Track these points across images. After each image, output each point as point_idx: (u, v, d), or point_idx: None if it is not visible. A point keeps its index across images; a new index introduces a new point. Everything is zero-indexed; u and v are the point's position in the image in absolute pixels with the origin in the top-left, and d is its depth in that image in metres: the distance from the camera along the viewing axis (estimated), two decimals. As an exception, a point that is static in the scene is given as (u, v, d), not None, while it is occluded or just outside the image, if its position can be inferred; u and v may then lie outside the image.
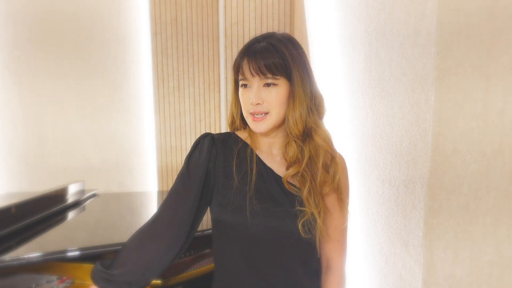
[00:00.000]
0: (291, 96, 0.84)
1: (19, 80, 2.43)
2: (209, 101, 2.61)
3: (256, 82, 0.83)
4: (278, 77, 0.82)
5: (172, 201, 0.89)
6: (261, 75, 0.82)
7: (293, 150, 0.86)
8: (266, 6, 2.05)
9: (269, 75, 0.82)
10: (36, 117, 2.47)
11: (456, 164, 0.77)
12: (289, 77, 0.83)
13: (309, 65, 0.88)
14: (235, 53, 2.10)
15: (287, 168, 0.88)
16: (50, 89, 2.47)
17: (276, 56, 0.82)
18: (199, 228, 0.93)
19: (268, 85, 0.83)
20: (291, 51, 0.84)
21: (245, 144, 0.91)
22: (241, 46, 2.11)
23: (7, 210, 1.28)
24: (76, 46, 2.48)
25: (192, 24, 2.54)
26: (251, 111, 0.85)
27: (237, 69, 0.87)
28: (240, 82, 0.87)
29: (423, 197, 0.89)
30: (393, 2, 1.01)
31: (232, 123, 0.97)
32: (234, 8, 2.03)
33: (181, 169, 0.90)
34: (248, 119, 0.87)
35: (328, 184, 0.87)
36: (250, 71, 0.83)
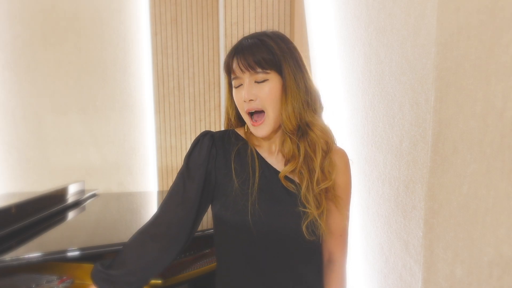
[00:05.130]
0: (284, 90, 0.82)
1: (19, 80, 2.43)
2: (209, 101, 2.62)
3: (247, 78, 0.82)
4: (268, 71, 0.81)
5: (172, 201, 0.88)
6: (251, 71, 0.81)
7: (288, 146, 0.85)
8: (266, 6, 2.05)
9: (259, 70, 0.81)
10: (36, 117, 2.48)
11: (456, 164, 0.77)
12: (280, 71, 0.82)
13: (301, 60, 0.86)
14: (235, 53, 2.09)
15: (285, 165, 0.86)
16: (50, 89, 2.47)
17: (265, 50, 0.81)
18: (199, 228, 0.93)
19: (259, 81, 0.82)
20: (280, 45, 0.82)
21: (245, 142, 0.90)
22: (241, 46, 2.12)
23: (7, 210, 1.28)
24: (76, 46, 2.48)
25: (192, 24, 2.54)
26: (245, 109, 0.83)
27: (227, 69, 0.86)
28: (233, 82, 0.86)
29: (423, 197, 0.89)
30: (393, 2, 1.01)
31: (228, 125, 0.96)
32: (234, 8, 2.03)
33: (181, 168, 0.89)
34: (248, 122, 0.86)
35: (324, 183, 0.84)
36: (240, 68, 0.81)
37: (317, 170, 0.83)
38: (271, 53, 0.81)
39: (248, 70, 0.81)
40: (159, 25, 2.50)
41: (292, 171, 0.85)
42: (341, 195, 0.88)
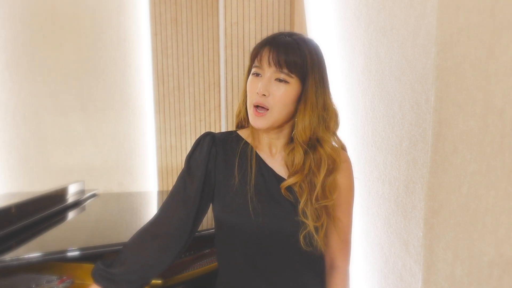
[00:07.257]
0: (303, 101, 0.82)
1: (19, 80, 2.43)
2: (209, 101, 2.62)
3: (269, 73, 0.82)
4: (292, 75, 0.81)
5: (173, 201, 0.89)
6: (277, 67, 0.80)
7: (299, 157, 0.84)
8: (266, 6, 2.04)
9: (285, 70, 0.80)
10: (36, 117, 2.47)
11: (456, 164, 0.77)
12: (303, 80, 0.82)
13: (326, 77, 0.86)
14: (235, 53, 2.10)
15: (289, 176, 0.85)
16: (50, 89, 2.47)
17: (298, 54, 0.81)
18: (199, 228, 0.93)
19: (280, 80, 0.81)
20: (313, 56, 0.83)
21: (246, 143, 0.91)
22: (241, 46, 2.12)
23: (7, 210, 1.28)
24: (76, 46, 2.48)
25: (192, 24, 2.54)
26: (254, 102, 0.83)
27: (254, 55, 0.85)
28: (253, 69, 0.85)
29: (423, 197, 0.89)
30: (393, 2, 1.01)
31: (238, 114, 0.95)
32: (234, 8, 2.03)
33: (182, 169, 0.90)
34: (250, 111, 0.85)
35: (324, 201, 0.84)
36: (268, 61, 0.81)
37: (318, 187, 0.83)
38: (303, 60, 0.81)
39: (276, 66, 0.81)
40: (159, 25, 2.50)
41: (294, 183, 0.85)
42: (341, 203, 0.88)
